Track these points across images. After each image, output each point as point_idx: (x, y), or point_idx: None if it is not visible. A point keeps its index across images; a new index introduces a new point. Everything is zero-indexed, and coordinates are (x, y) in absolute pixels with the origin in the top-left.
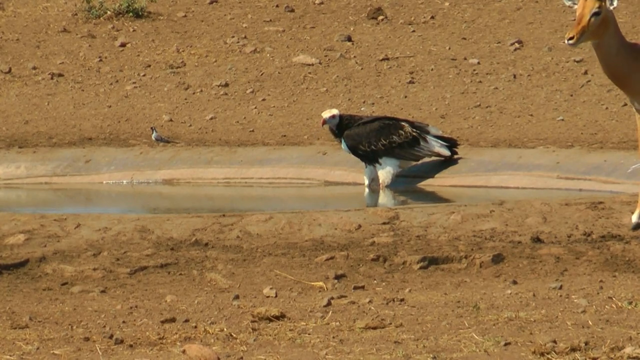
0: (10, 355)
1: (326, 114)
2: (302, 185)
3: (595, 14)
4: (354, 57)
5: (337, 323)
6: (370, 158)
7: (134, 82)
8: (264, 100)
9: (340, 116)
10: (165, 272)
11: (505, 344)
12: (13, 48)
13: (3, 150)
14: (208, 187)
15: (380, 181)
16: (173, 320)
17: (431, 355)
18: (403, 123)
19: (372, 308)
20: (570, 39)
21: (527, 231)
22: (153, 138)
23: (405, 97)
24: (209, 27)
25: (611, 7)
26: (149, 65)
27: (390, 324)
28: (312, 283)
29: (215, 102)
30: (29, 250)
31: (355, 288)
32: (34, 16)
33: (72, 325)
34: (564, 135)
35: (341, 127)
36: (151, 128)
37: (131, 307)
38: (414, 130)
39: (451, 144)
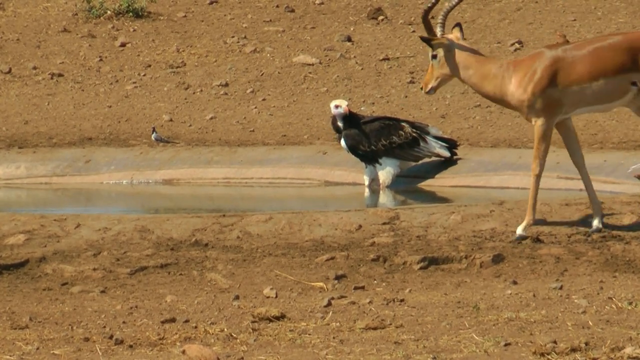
0: (10, 355)
1: (343, 103)
2: (302, 185)
3: (433, 57)
4: (354, 57)
5: (338, 323)
6: (370, 158)
7: (134, 82)
8: (264, 100)
9: (350, 111)
10: (165, 272)
11: (506, 345)
12: (13, 48)
13: (3, 151)
14: (208, 187)
15: (381, 181)
16: (173, 320)
17: (431, 356)
18: (403, 123)
19: (373, 308)
20: (422, 89)
21: (527, 231)
22: (153, 138)
23: (406, 97)
24: (209, 27)
25: (445, 42)
26: (149, 65)
27: (391, 324)
28: (312, 283)
29: (215, 102)
30: (29, 251)
31: (355, 288)
32: (34, 16)
33: (72, 326)
34: None
35: (348, 121)
36: (152, 128)
37: (131, 307)
38: (414, 130)
39: (451, 144)
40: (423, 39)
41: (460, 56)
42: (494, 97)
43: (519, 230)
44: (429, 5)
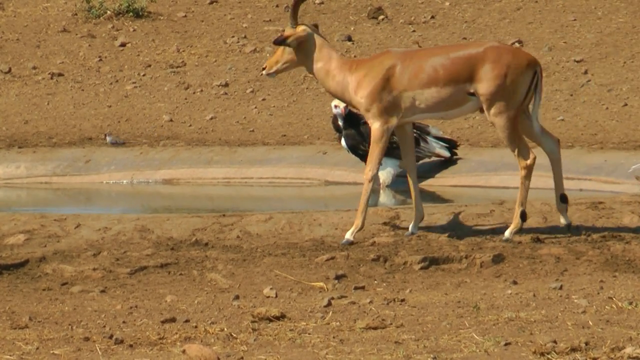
0: (10, 355)
1: (342, 104)
2: (302, 185)
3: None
4: (355, 56)
5: (338, 323)
6: None
7: (134, 82)
8: (264, 100)
9: (350, 110)
10: (165, 272)
11: (506, 344)
12: (13, 48)
13: (3, 150)
14: (208, 187)
15: (381, 181)
16: (173, 320)
17: (431, 356)
18: None
19: (373, 308)
20: (264, 69)
21: (527, 231)
22: (109, 142)
23: None
24: (209, 27)
25: (304, 33)
26: (149, 65)
27: (391, 324)
28: (313, 283)
29: (215, 102)
30: (29, 251)
31: (355, 288)
32: (34, 16)
33: (72, 325)
34: (564, 136)
35: (349, 120)
36: (104, 134)
37: (131, 307)
38: (415, 131)
39: (451, 145)
40: (292, 18)
41: (314, 48)
42: (336, 94)
43: (348, 235)
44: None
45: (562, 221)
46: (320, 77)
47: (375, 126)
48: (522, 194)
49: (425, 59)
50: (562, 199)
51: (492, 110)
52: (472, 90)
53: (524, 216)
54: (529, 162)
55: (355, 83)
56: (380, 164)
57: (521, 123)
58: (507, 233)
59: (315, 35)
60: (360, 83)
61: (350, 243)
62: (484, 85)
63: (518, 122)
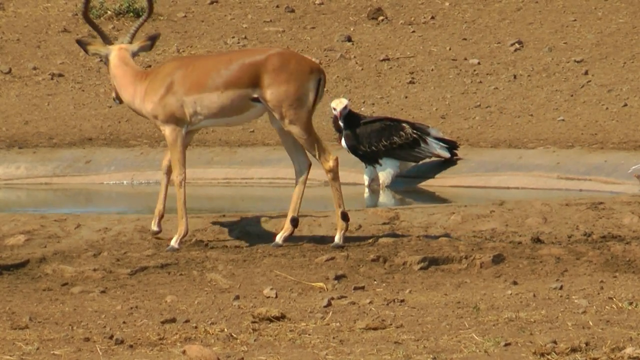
0: (10, 356)
1: (339, 106)
2: None
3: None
4: (354, 57)
5: (338, 324)
6: (370, 158)
7: None
8: None
9: (350, 110)
10: (165, 272)
11: (506, 345)
12: (13, 48)
13: (3, 151)
14: (208, 187)
15: (381, 182)
16: (173, 320)
17: (431, 356)
18: (404, 124)
19: (373, 309)
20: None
21: (527, 231)
22: None
23: (406, 97)
24: (209, 28)
25: (103, 50)
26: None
27: (391, 324)
28: (312, 283)
29: None
30: (29, 251)
31: (355, 289)
32: (35, 16)
33: (73, 326)
34: (564, 136)
35: (349, 120)
36: None
37: (131, 308)
38: (415, 131)
39: (451, 146)
40: (78, 42)
41: (112, 66)
42: (131, 106)
43: (172, 242)
44: (84, 5)
45: (336, 240)
46: (118, 92)
47: (167, 132)
48: (336, 195)
49: (208, 64)
50: (344, 217)
51: (286, 120)
52: (256, 96)
53: (345, 217)
54: (331, 163)
55: (143, 92)
56: (184, 165)
57: (283, 135)
58: (336, 239)
59: (112, 54)
60: (146, 91)
61: (175, 250)
62: (271, 92)
63: (312, 126)
